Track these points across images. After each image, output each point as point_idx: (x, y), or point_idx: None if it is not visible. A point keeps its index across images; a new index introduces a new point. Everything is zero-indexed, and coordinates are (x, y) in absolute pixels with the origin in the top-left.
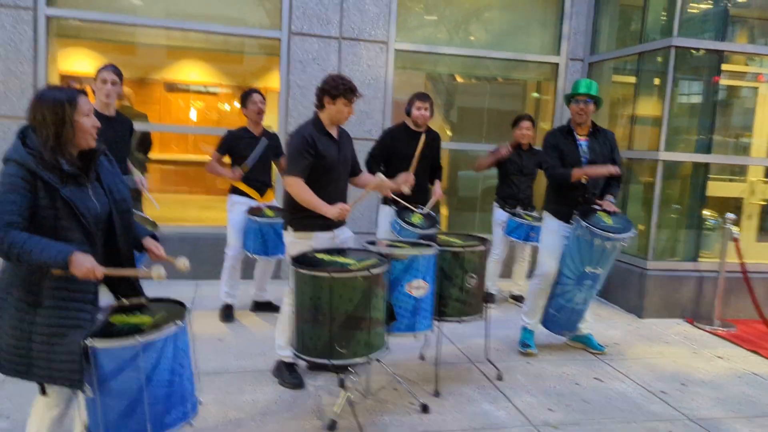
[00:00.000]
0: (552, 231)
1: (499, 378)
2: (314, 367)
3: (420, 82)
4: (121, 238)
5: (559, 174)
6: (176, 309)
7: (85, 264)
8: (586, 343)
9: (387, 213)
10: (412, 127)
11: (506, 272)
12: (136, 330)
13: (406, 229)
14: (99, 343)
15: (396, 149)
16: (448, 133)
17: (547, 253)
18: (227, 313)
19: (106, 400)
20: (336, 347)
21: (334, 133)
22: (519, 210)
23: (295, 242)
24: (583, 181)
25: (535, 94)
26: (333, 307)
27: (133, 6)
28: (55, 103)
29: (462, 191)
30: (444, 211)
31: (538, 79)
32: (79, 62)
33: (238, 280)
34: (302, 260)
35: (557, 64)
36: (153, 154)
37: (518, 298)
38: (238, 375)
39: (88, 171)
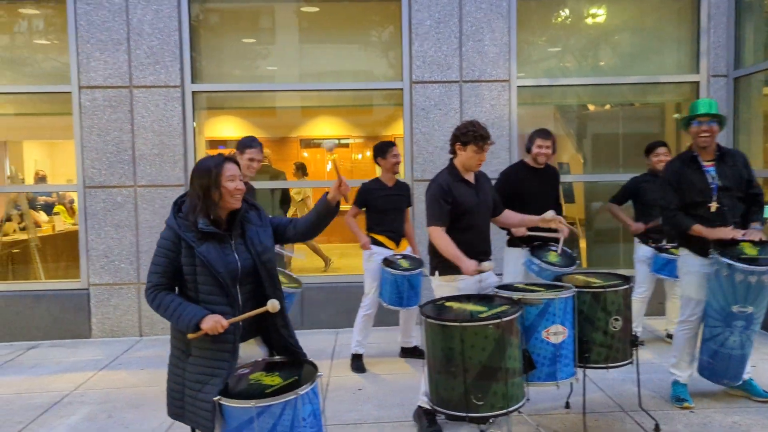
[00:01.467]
0: (691, 270)
1: (657, 429)
2: (453, 418)
3: (547, 115)
4: (268, 286)
5: (678, 223)
6: (311, 373)
7: (210, 320)
8: (747, 390)
9: (516, 255)
10: (532, 164)
11: (655, 310)
12: (263, 391)
13: (546, 269)
14: (224, 400)
15: (516, 189)
16: (581, 164)
17: (689, 296)
18: (358, 364)
19: None
20: (472, 399)
21: (470, 178)
22: (665, 244)
23: (442, 285)
24: (713, 209)
25: (676, 116)
26: (465, 357)
27: (270, 73)
28: (204, 170)
29: (600, 224)
30: (583, 245)
31: (677, 101)
32: (222, 129)
33: (370, 329)
34: (432, 309)
35: (697, 83)
36: (291, 210)
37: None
38: (375, 426)
39: (231, 228)
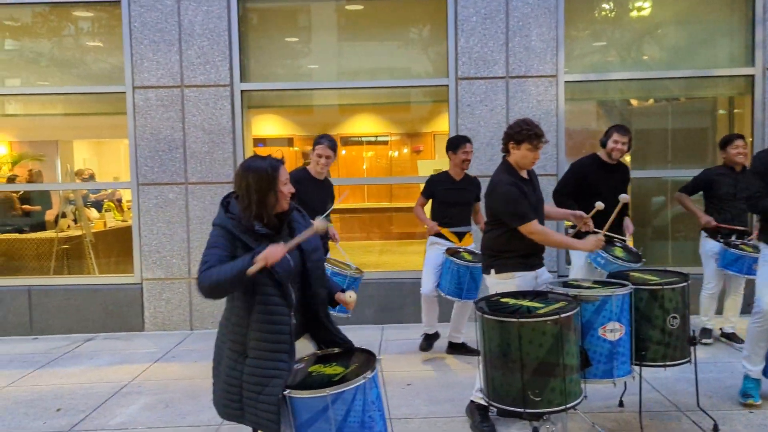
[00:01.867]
0: None
1: (716, 429)
2: (505, 414)
3: (594, 110)
4: (317, 285)
5: (765, 205)
6: (368, 359)
7: (266, 251)
8: None
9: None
10: (605, 159)
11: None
12: (329, 380)
13: (613, 262)
14: (294, 393)
15: (586, 182)
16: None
17: (765, 288)
18: (426, 343)
19: None
20: (529, 395)
21: (524, 175)
22: (734, 240)
23: (498, 284)
24: None
25: (722, 111)
26: (523, 353)
27: (313, 71)
28: (260, 173)
29: (651, 222)
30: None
31: (729, 95)
32: (264, 127)
33: (436, 311)
34: (488, 305)
35: (752, 76)
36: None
37: (730, 336)
38: (426, 421)
39: (281, 230)
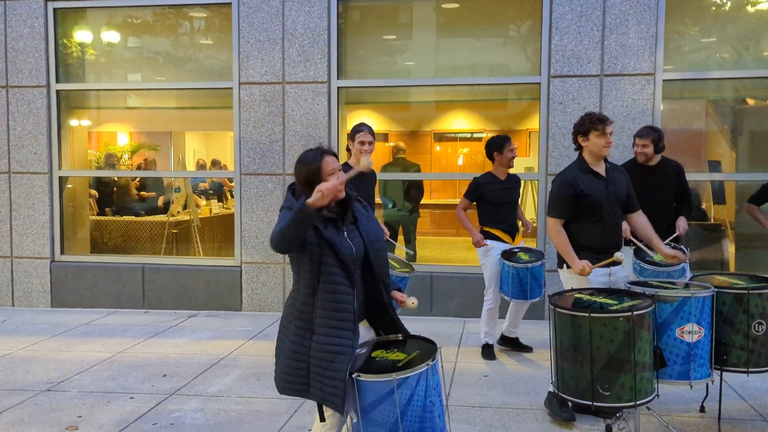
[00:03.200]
0: None
1: None
2: (579, 409)
3: (697, 110)
4: (379, 274)
5: None
6: (429, 347)
7: (324, 185)
8: None
9: (625, 253)
10: (642, 161)
11: None
12: (393, 365)
13: (647, 268)
14: (362, 376)
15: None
16: (734, 163)
17: None
18: (488, 352)
19: (368, 427)
20: (598, 389)
21: (600, 170)
22: None
23: (570, 278)
24: None
25: None
26: (594, 347)
27: (408, 68)
28: (305, 164)
29: (751, 227)
30: (732, 249)
31: None
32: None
33: (496, 320)
34: (561, 299)
35: None
36: (424, 200)
37: None
38: (501, 410)
39: (344, 217)
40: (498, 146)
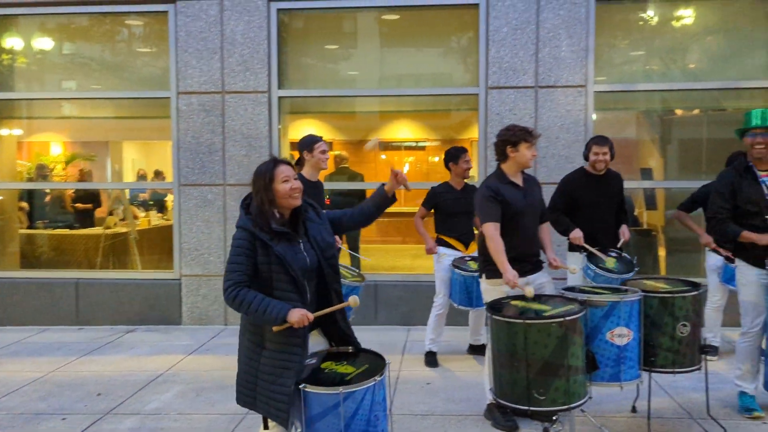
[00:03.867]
0: (749, 281)
1: None
2: (515, 414)
3: (628, 120)
4: (331, 282)
5: (726, 230)
6: (378, 362)
7: (297, 314)
8: None
9: (576, 259)
10: (592, 171)
11: (734, 321)
12: (341, 379)
13: (601, 275)
14: (309, 388)
15: (574, 196)
16: (663, 170)
17: (748, 307)
18: (431, 359)
19: None
20: (534, 394)
21: (518, 181)
22: None
23: (489, 289)
24: None
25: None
26: (528, 353)
27: (351, 78)
28: (259, 174)
29: (679, 232)
30: (662, 253)
31: (765, 106)
32: (305, 132)
33: (443, 327)
34: (497, 307)
35: None
36: None
37: None
38: (443, 418)
39: (297, 227)
40: (453, 157)
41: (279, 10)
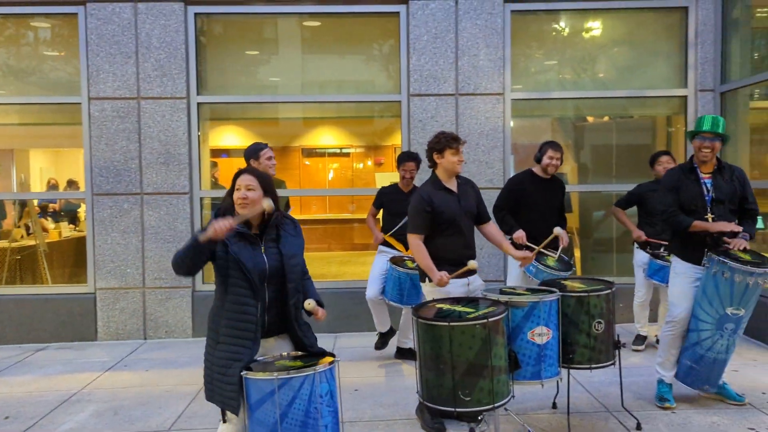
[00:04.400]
0: (681, 274)
1: (638, 428)
2: (442, 415)
3: (542, 127)
4: (291, 288)
5: (678, 221)
6: (328, 359)
7: (215, 223)
8: (722, 394)
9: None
10: (540, 174)
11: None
12: (285, 369)
13: (543, 271)
14: (248, 374)
15: (522, 197)
16: (577, 174)
17: (678, 297)
18: (380, 342)
19: (253, 426)
20: (460, 395)
21: (452, 186)
22: (662, 251)
23: (432, 291)
24: (709, 219)
25: (671, 129)
26: (454, 355)
27: (272, 84)
28: (232, 182)
29: (596, 233)
30: (577, 254)
31: (666, 114)
32: (226, 138)
33: (385, 313)
34: (422, 310)
35: (685, 97)
36: (294, 215)
37: None
38: (371, 424)
39: (264, 233)
40: (399, 162)
41: (197, 15)
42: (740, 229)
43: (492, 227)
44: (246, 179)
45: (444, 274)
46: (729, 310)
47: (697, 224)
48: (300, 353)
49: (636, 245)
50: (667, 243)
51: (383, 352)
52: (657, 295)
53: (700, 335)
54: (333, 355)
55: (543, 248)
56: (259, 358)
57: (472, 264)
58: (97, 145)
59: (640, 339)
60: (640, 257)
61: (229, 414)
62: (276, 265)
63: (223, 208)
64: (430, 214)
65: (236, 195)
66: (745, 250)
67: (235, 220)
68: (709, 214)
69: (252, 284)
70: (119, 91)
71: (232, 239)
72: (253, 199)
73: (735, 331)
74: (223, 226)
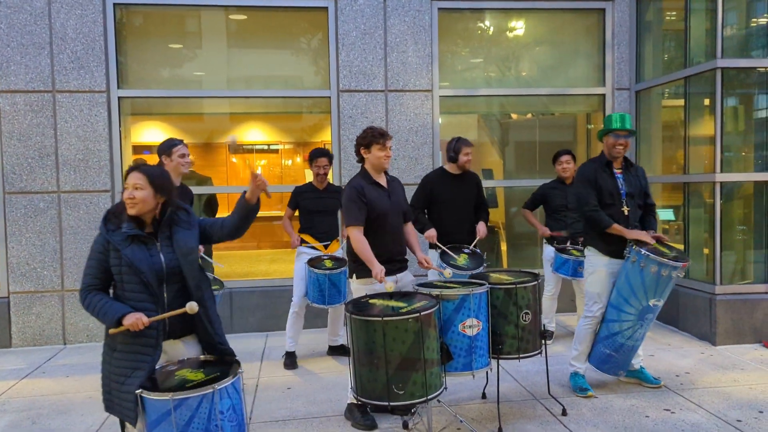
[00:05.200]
0: (597, 268)
1: (564, 413)
2: (376, 410)
3: (470, 123)
4: (191, 286)
5: (598, 220)
6: (230, 370)
7: (132, 317)
8: (640, 378)
9: (432, 257)
10: (453, 171)
11: (567, 307)
12: (183, 385)
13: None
14: (145, 393)
15: (437, 195)
16: (502, 170)
17: (595, 294)
18: (289, 361)
19: None
20: (393, 389)
21: (382, 182)
22: (568, 246)
23: (360, 288)
24: (626, 213)
25: (590, 126)
26: (387, 350)
27: (197, 78)
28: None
29: (519, 228)
30: (504, 247)
31: (586, 111)
32: (149, 134)
33: (300, 327)
34: (356, 306)
35: (603, 95)
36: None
37: None
38: (305, 422)
39: (158, 232)
40: (310, 159)
41: (116, 5)
42: (653, 242)
43: (410, 228)
44: (134, 177)
45: (382, 269)
46: (651, 302)
47: (616, 228)
48: (206, 358)
49: (545, 241)
50: (569, 238)
51: (315, 349)
52: (568, 288)
53: (622, 326)
54: (237, 363)
55: (450, 248)
56: (158, 367)
57: (388, 285)
58: (8, 140)
59: (547, 334)
60: (548, 252)
61: (128, 425)
62: (174, 264)
63: (114, 209)
64: (365, 206)
65: (124, 194)
66: (661, 243)
67: (150, 319)
68: (625, 207)
69: (149, 287)
70: (32, 84)
71: (123, 243)
72: (141, 198)
73: (652, 320)
74: (137, 325)
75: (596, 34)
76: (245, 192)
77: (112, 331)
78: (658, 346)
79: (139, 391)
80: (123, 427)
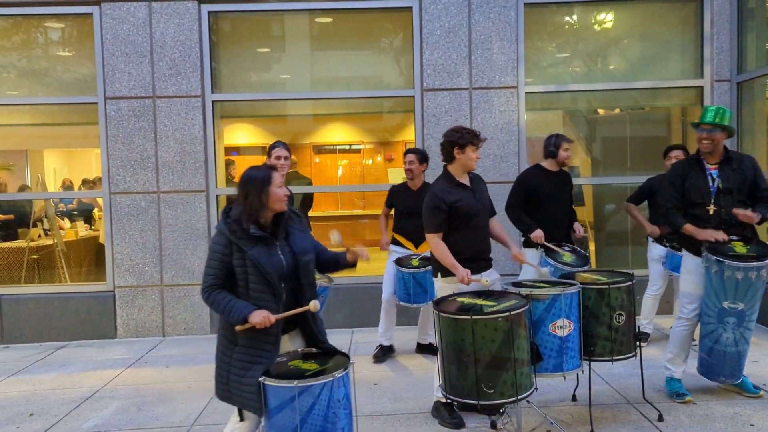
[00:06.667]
0: (689, 268)
1: (660, 419)
2: (464, 408)
3: (556, 120)
4: (305, 285)
5: (672, 220)
6: (342, 361)
7: (259, 316)
8: (739, 387)
9: (531, 255)
10: (550, 168)
11: (663, 309)
12: (302, 374)
13: (560, 268)
14: (268, 381)
15: (534, 192)
16: (590, 167)
17: (688, 292)
18: (380, 354)
19: (271, 431)
20: (483, 388)
21: (465, 181)
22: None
23: (444, 287)
24: (710, 212)
25: (685, 118)
26: (476, 348)
27: (284, 81)
28: (255, 179)
29: (610, 226)
30: (592, 247)
31: (682, 105)
32: (238, 136)
33: (392, 323)
34: (444, 304)
35: (701, 88)
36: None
37: None
38: (392, 417)
39: (277, 232)
40: (404, 157)
41: (210, 13)
42: (725, 237)
43: (496, 223)
44: (280, 176)
45: (468, 272)
46: (725, 304)
47: (687, 228)
48: (312, 350)
49: (651, 239)
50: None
51: (404, 346)
52: (671, 286)
53: (707, 328)
54: (346, 356)
55: (556, 246)
56: None
57: (484, 280)
58: (114, 144)
59: (643, 336)
60: (657, 251)
61: (247, 413)
62: (291, 263)
63: (237, 217)
64: (445, 213)
65: (280, 192)
66: (747, 242)
67: (278, 316)
68: (711, 206)
69: (273, 286)
70: (135, 91)
71: (248, 244)
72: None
73: (740, 325)
74: (264, 323)
75: (692, 24)
76: (347, 253)
77: (239, 328)
78: (764, 351)
79: (263, 378)
80: (242, 415)
